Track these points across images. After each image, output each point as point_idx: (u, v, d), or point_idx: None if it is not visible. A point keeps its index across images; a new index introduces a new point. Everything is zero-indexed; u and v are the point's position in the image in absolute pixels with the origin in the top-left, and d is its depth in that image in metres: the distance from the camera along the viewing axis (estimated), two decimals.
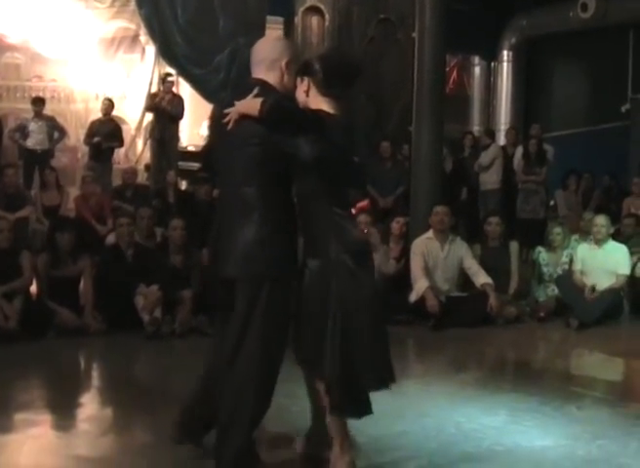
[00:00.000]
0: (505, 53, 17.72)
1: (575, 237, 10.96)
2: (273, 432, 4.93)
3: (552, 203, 14.05)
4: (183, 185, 14.26)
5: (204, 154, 4.43)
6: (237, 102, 4.30)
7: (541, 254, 10.50)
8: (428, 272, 9.47)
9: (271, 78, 4.43)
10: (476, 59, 18.19)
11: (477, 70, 18.24)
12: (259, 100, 4.20)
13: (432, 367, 7.54)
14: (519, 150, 13.76)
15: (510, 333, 9.17)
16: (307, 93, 4.39)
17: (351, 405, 4.28)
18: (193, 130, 16.21)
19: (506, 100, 17.77)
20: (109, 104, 14.27)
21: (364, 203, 12.55)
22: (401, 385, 6.38)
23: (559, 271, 10.29)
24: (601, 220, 10.16)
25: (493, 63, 18.01)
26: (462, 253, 9.69)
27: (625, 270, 9.92)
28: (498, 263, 9.90)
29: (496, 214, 10.67)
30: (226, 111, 4.32)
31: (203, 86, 15.27)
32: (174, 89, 14.54)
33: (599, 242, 10.01)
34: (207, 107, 15.28)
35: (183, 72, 15.18)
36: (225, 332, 4.39)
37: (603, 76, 16.81)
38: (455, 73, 18.23)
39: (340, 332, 4.17)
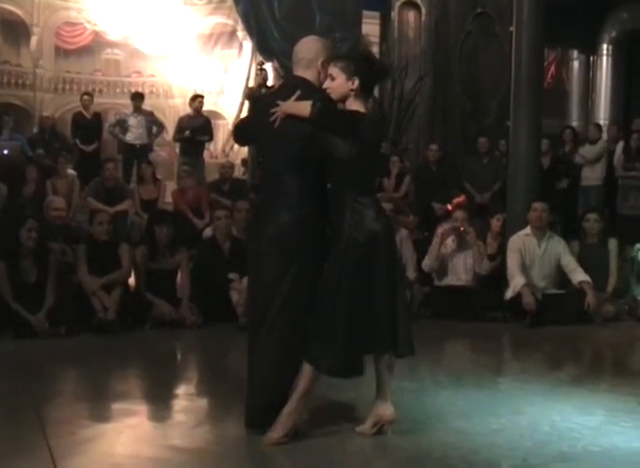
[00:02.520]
0: (605, 46, 17.39)
1: None
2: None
3: None
4: None
5: (238, 127, 5.00)
6: (282, 103, 4.79)
7: None
8: (525, 269, 9.37)
9: (309, 76, 4.94)
10: (575, 53, 17.91)
11: (576, 64, 17.96)
12: (308, 103, 4.70)
13: (528, 364, 7.45)
14: (620, 145, 13.52)
15: (608, 332, 9.02)
16: (354, 92, 4.82)
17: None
18: None
19: (606, 95, 17.44)
20: (201, 101, 14.30)
21: (461, 199, 12.48)
22: (496, 382, 6.38)
23: None
24: None
25: (592, 57, 17.72)
26: (560, 250, 9.56)
27: None
28: (596, 261, 9.73)
29: (595, 211, 10.49)
30: (272, 110, 4.80)
31: None
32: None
33: None
34: None
35: (281, 68, 15.26)
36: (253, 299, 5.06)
37: None
38: (553, 67, 17.98)
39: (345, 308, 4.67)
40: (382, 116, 14.26)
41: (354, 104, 4.84)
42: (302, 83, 4.93)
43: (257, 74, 14.86)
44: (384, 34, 16.08)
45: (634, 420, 5.40)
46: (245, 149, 15.05)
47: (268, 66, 14.61)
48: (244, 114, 14.60)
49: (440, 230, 9.83)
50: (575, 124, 16.84)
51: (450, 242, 9.69)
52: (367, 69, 4.88)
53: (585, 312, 9.11)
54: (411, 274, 9.76)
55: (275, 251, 4.84)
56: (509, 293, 9.26)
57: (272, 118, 4.80)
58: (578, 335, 8.67)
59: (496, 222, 10.19)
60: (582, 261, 9.53)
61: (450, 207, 12.12)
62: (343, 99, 4.87)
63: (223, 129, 16.02)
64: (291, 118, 4.76)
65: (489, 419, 5.32)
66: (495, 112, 14.85)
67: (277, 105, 4.81)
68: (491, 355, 7.94)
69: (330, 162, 4.79)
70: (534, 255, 9.49)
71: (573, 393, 6.00)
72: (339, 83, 4.83)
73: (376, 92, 16.12)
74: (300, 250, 4.82)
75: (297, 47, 5.03)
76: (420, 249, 9.97)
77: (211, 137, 14.60)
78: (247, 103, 14.77)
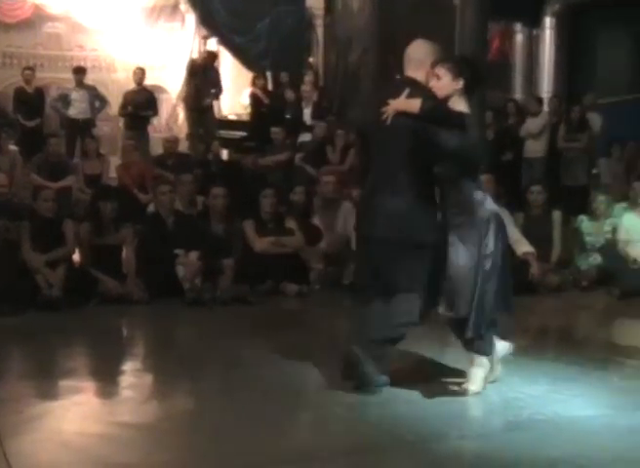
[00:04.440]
0: (548, 20, 17.48)
1: (622, 205, 10.81)
2: None
3: (596, 171, 13.88)
4: (225, 154, 14.29)
5: (361, 128, 5.80)
6: (392, 101, 5.18)
7: (584, 223, 10.42)
8: None
9: (418, 76, 5.35)
10: (518, 27, 17.99)
11: (519, 38, 18.03)
12: (418, 101, 5.08)
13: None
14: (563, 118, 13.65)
15: (552, 302, 9.14)
16: (459, 92, 5.24)
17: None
18: (234, 98, 16.23)
19: (549, 68, 17.54)
20: (141, 73, 14.25)
21: None
22: (443, 353, 6.41)
23: (602, 240, 10.21)
24: None
25: (535, 31, 17.80)
26: (505, 222, 9.61)
27: None
28: (540, 232, 9.84)
29: (539, 183, 10.60)
30: (383, 109, 5.19)
31: (244, 54, 15.30)
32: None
33: None
34: (247, 76, 15.34)
35: (224, 40, 15.20)
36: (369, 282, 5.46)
37: None
38: (497, 41, 18.05)
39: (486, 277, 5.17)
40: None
41: (458, 103, 5.24)
42: (411, 82, 5.32)
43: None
44: (329, 7, 16.05)
45: (577, 388, 5.47)
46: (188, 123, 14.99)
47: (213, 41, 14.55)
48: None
49: None
50: (518, 97, 16.93)
51: None
52: (472, 72, 5.31)
53: (530, 282, 9.21)
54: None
55: (387, 236, 5.22)
56: None
57: (384, 116, 5.19)
58: (523, 306, 8.71)
59: None
60: (527, 233, 9.62)
61: None
62: (447, 98, 5.23)
63: (167, 103, 15.90)
64: (401, 115, 5.14)
65: (437, 389, 5.36)
66: None
67: (387, 104, 5.20)
68: (437, 325, 7.98)
69: (439, 154, 5.17)
70: None
71: (519, 363, 6.05)
72: (445, 83, 5.22)
73: (320, 64, 16.20)
74: (410, 234, 5.20)
75: (408, 49, 5.50)
76: None
77: (155, 112, 14.50)
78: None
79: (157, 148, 13.67)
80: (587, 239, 10.31)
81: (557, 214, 10.18)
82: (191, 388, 5.57)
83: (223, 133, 14.73)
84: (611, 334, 8.01)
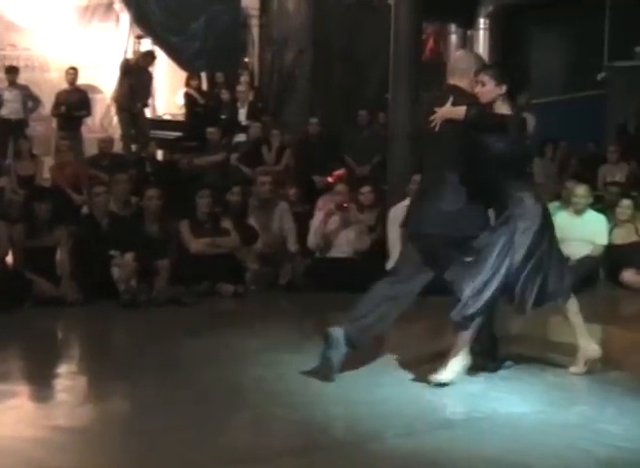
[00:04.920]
0: (482, 21, 17.63)
1: (555, 204, 10.94)
2: None
3: (529, 170, 14.01)
4: (160, 155, 14.20)
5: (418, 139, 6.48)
6: (439, 109, 5.60)
7: None
8: (405, 240, 9.48)
9: (462, 84, 5.78)
10: (453, 27, 18.11)
11: (454, 38, 18.16)
12: (462, 108, 5.52)
13: (410, 334, 7.54)
14: None
15: None
16: (502, 97, 5.61)
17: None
18: (169, 98, 16.13)
19: None
20: (74, 73, 14.11)
21: (341, 172, 12.55)
22: (378, 353, 6.44)
23: None
24: (581, 191, 10.20)
25: (469, 31, 17.94)
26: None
27: (603, 240, 9.99)
28: None
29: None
30: (431, 118, 5.62)
31: (178, 54, 15.21)
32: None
33: (578, 211, 10.06)
34: (182, 76, 15.25)
35: (159, 40, 15.09)
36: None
37: (580, 44, 16.79)
38: (431, 41, 18.17)
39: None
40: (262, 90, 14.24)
41: (502, 107, 5.62)
42: (455, 90, 5.76)
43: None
44: (264, 7, 16.02)
45: (513, 386, 5.53)
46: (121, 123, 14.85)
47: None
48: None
49: (324, 209, 9.90)
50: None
51: (334, 219, 9.75)
52: (513, 77, 5.75)
53: None
54: (292, 246, 9.82)
55: (435, 233, 5.65)
56: (390, 264, 9.35)
57: (432, 124, 5.62)
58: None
59: (364, 197, 10.24)
60: None
61: (330, 180, 12.19)
62: (492, 103, 5.62)
63: (101, 103, 15.72)
64: (448, 122, 5.57)
65: (372, 389, 5.39)
66: (375, 85, 14.94)
67: (435, 112, 5.62)
68: None
69: (486, 157, 5.52)
70: None
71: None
72: (489, 88, 5.61)
73: (255, 65, 16.16)
74: (459, 232, 5.62)
75: (453, 60, 6.15)
76: (302, 221, 10.02)
77: (88, 112, 14.36)
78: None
79: (91, 149, 13.53)
80: None
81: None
82: (127, 390, 5.53)
83: (158, 133, 14.63)
84: (546, 331, 8.09)
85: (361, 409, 4.99)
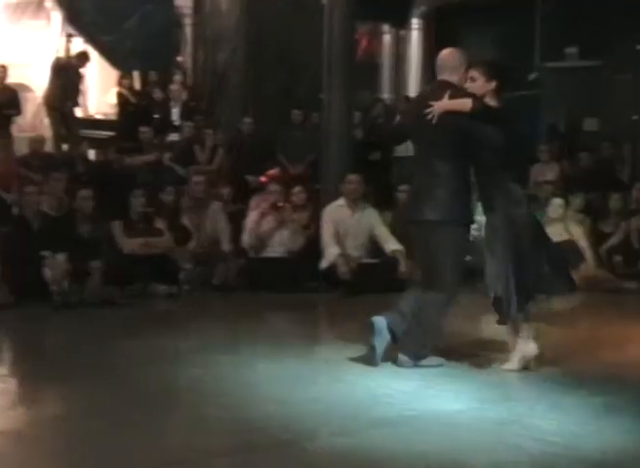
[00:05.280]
0: (415, 21, 17.74)
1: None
2: None
3: None
4: (92, 154, 14.05)
5: (394, 130, 7.24)
6: (437, 102, 5.86)
7: None
8: (339, 239, 9.52)
9: (453, 79, 6.04)
10: (386, 27, 18.19)
11: (387, 38, 18.24)
12: (468, 101, 5.79)
13: (344, 333, 7.57)
14: None
15: None
16: (491, 92, 5.94)
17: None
18: (102, 97, 15.97)
19: (416, 68, 17.81)
20: (4, 71, 13.90)
21: (274, 171, 12.55)
22: (313, 352, 6.46)
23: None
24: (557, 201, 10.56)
25: (402, 31, 18.03)
26: (373, 221, 9.76)
27: None
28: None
29: (409, 182, 10.78)
30: (428, 111, 5.86)
31: (111, 53, 15.06)
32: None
33: None
34: (115, 75, 15.12)
35: (91, 39, 14.94)
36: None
37: (512, 45, 16.95)
38: (365, 41, 18.21)
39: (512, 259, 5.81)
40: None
41: (491, 102, 5.93)
42: (448, 85, 6.01)
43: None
44: (197, 6, 15.93)
45: (447, 384, 5.58)
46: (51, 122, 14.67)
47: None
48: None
49: (257, 208, 9.90)
50: (386, 96, 17.12)
51: (269, 219, 9.75)
52: (501, 74, 6.11)
53: (399, 280, 9.33)
54: (226, 246, 9.81)
55: (433, 219, 6.00)
56: (324, 264, 9.40)
57: (430, 116, 5.86)
58: (392, 303, 8.84)
59: (296, 197, 10.28)
60: (396, 231, 9.75)
61: (264, 179, 12.18)
62: (482, 98, 5.90)
63: (32, 102, 15.51)
64: (447, 114, 5.83)
65: (307, 388, 5.39)
66: (308, 85, 14.94)
67: (430, 105, 5.87)
68: (308, 325, 8.06)
69: (481, 149, 5.88)
70: (348, 226, 9.65)
71: (390, 359, 6.13)
72: (479, 84, 5.93)
73: (189, 64, 16.07)
74: (453, 218, 6.01)
75: (441, 57, 6.18)
76: (235, 221, 10.00)
77: (19, 111, 14.15)
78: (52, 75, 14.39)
79: (22, 148, 13.33)
80: None
81: None
82: (61, 393, 5.47)
83: (90, 132, 14.47)
84: (479, 330, 8.17)
85: (296, 409, 5.00)
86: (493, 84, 5.95)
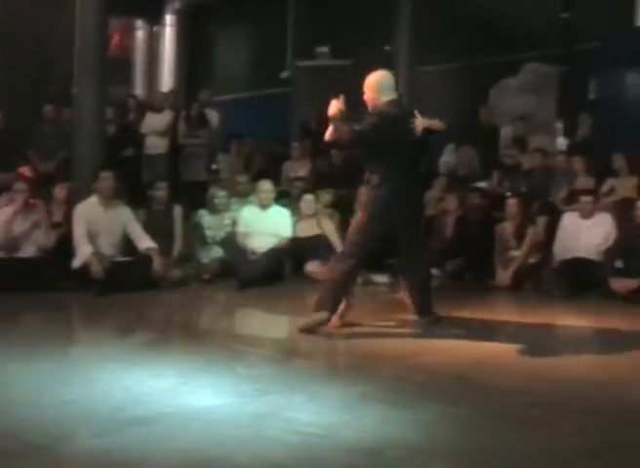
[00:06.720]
0: (169, 17, 17.71)
1: (234, 200, 11.20)
2: None
3: (215, 167, 14.19)
4: None
5: (359, 137, 7.36)
6: (419, 120, 7.22)
7: (204, 217, 10.72)
8: (92, 238, 9.38)
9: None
10: (140, 23, 18.05)
11: (140, 34, 18.12)
12: (439, 121, 7.32)
13: (99, 332, 7.48)
14: (183, 114, 13.82)
15: (176, 296, 9.29)
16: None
17: None
18: None
19: (169, 65, 17.78)
20: None
21: (24, 169, 12.19)
22: (68, 353, 6.34)
23: (222, 233, 10.55)
24: (267, 186, 10.56)
25: (156, 27, 17.95)
26: (126, 218, 9.69)
27: (287, 233, 10.38)
28: (162, 227, 10.03)
29: (163, 179, 10.82)
30: (412, 126, 7.17)
31: None
32: None
33: (264, 206, 10.39)
34: None
35: None
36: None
37: (264, 43, 17.20)
38: (118, 36, 18.01)
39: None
40: None
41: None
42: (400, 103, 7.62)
43: None
44: None
45: (204, 379, 5.59)
46: None
47: None
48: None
49: (7, 208, 9.61)
50: (139, 92, 16.99)
51: (21, 220, 9.48)
52: None
53: (153, 278, 9.31)
54: None
55: (413, 216, 7.39)
56: (77, 263, 9.24)
57: (414, 131, 7.17)
58: (147, 301, 8.84)
59: (59, 191, 10.11)
60: (149, 228, 9.74)
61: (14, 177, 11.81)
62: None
63: None
64: (424, 130, 7.19)
65: (62, 390, 5.27)
66: (60, 79, 14.61)
67: (411, 122, 7.18)
68: (62, 325, 7.89)
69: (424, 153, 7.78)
70: (100, 224, 9.53)
71: (145, 358, 6.11)
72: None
73: None
74: (423, 213, 8.21)
75: (379, 78, 7.34)
76: None
77: None
78: None
79: None
80: (208, 233, 10.62)
81: (178, 210, 10.41)
82: None
83: None
84: (234, 325, 8.27)
85: (52, 411, 4.87)
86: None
